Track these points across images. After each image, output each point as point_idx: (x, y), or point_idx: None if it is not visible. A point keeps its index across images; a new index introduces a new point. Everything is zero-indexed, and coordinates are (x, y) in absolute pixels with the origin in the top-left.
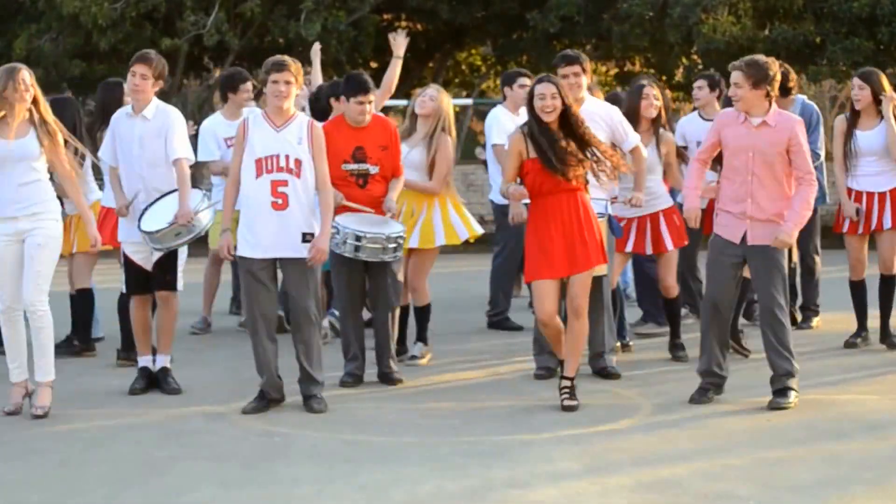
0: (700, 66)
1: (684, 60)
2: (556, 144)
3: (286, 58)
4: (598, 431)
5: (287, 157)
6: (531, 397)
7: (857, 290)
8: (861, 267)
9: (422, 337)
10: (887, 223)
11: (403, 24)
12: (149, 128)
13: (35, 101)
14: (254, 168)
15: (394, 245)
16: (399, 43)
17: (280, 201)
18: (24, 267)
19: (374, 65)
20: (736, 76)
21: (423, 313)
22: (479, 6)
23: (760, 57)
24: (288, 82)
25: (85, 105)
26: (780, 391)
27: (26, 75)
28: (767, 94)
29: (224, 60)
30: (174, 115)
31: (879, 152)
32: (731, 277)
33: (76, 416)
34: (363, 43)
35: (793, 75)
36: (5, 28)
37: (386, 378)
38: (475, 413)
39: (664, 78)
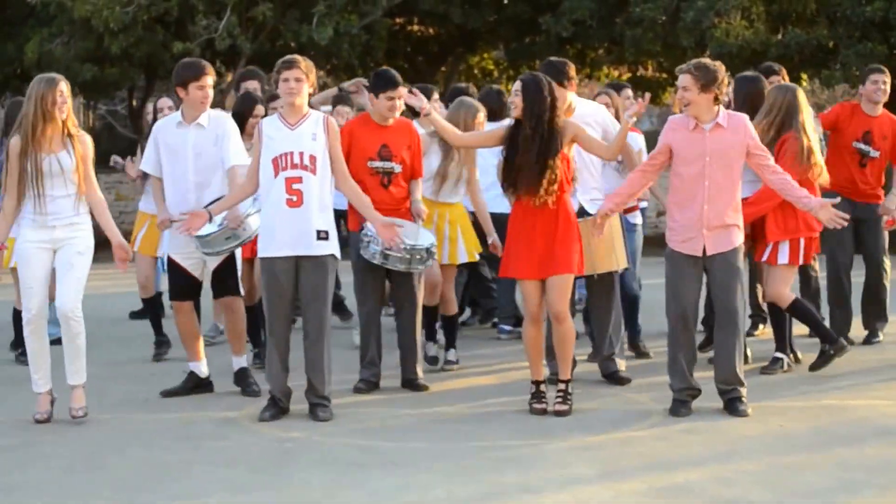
0: None
1: None
2: (516, 157)
3: (296, 56)
4: (610, 436)
5: (301, 153)
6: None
7: None
8: None
9: (453, 343)
10: None
11: (416, 27)
12: (205, 136)
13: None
14: (271, 167)
15: (422, 256)
16: None
17: (294, 198)
18: (62, 273)
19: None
20: (684, 80)
21: (453, 321)
22: (492, 10)
23: (708, 60)
24: (298, 79)
25: (96, 109)
26: (731, 402)
27: (64, 87)
28: (716, 98)
29: (236, 64)
30: (229, 122)
31: None
32: (696, 292)
33: (86, 420)
34: (375, 47)
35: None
36: (17, 32)
37: (411, 384)
38: (487, 418)
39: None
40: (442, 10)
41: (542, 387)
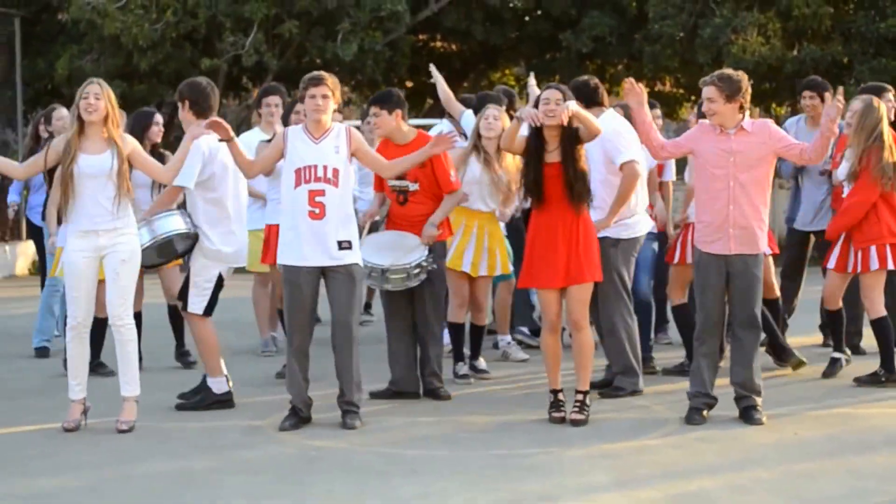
0: None
1: None
2: (539, 163)
3: (323, 73)
4: (627, 445)
5: (325, 167)
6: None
7: None
8: None
9: (478, 353)
10: None
11: (438, 44)
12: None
13: (106, 118)
14: (293, 178)
15: (417, 271)
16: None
17: (317, 210)
18: (109, 283)
19: (409, 84)
20: (709, 91)
21: (481, 332)
22: (513, 27)
23: (731, 71)
24: (325, 96)
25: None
26: (746, 410)
27: (97, 89)
28: (741, 107)
29: (262, 80)
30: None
31: None
32: (722, 296)
33: (113, 429)
34: (398, 63)
35: None
36: (47, 49)
37: (432, 393)
38: (507, 427)
39: (694, 97)
40: (464, 27)
41: (561, 395)
